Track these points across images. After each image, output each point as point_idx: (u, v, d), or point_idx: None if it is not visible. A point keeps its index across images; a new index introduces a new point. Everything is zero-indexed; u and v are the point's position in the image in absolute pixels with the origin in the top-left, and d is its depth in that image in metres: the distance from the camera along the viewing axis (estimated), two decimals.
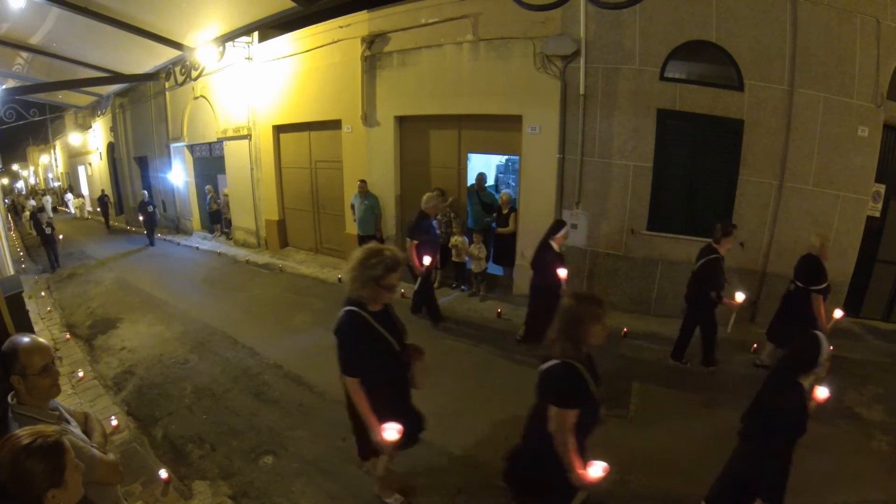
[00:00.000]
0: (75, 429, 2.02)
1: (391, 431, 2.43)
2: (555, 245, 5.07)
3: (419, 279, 5.91)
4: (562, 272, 5.00)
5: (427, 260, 5.74)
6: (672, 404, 4.33)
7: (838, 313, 4.50)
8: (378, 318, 2.53)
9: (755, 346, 5.23)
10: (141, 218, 12.66)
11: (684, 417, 4.10)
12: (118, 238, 14.34)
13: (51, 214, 17.28)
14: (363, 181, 8.05)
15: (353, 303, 2.49)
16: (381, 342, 2.52)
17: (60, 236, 11.57)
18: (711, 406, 4.24)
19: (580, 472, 2.13)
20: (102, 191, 17.08)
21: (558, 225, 5.17)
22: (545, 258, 5.08)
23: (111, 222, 16.49)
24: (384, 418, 2.47)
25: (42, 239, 10.99)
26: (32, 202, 19.60)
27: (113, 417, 4.28)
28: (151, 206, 12.64)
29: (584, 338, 2.20)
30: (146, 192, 13.32)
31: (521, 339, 5.50)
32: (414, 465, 3.60)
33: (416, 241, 5.76)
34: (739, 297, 4.65)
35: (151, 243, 12.48)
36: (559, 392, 2.17)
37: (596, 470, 2.12)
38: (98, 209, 17.13)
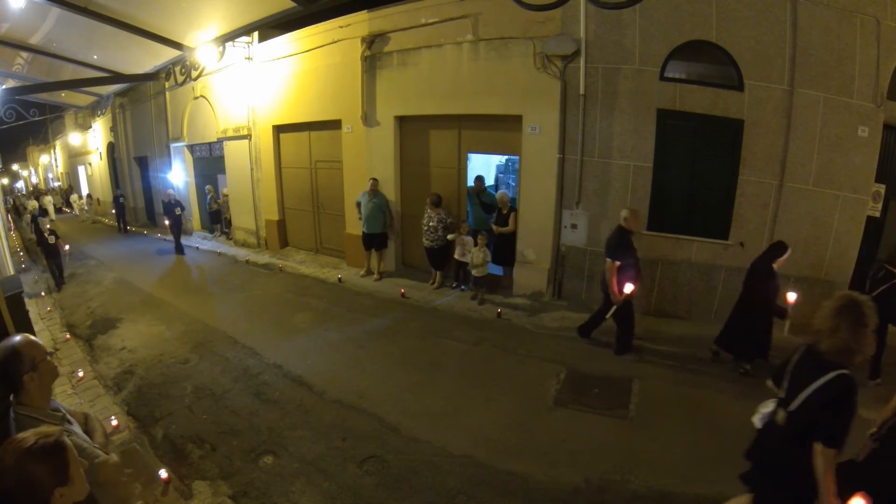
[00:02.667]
0: (77, 429, 2.03)
1: (858, 501, 2.17)
2: (775, 268, 4.61)
3: (613, 307, 5.09)
4: (791, 296, 4.56)
5: (629, 287, 4.95)
6: (672, 404, 4.33)
7: None
8: None
9: None
10: (167, 222, 11.28)
11: (685, 417, 4.10)
12: (136, 242, 13.57)
13: (52, 218, 17.09)
14: (374, 179, 7.99)
15: (840, 365, 2.19)
16: None
17: (67, 247, 9.95)
18: (711, 406, 4.25)
19: None
20: (117, 190, 16.70)
21: (781, 247, 4.59)
22: (770, 286, 4.55)
23: (127, 226, 15.57)
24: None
25: (44, 250, 9.14)
26: (35, 202, 19.44)
27: (113, 417, 4.28)
28: (181, 209, 11.28)
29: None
30: (172, 190, 11.87)
31: (746, 373, 4.74)
32: (414, 465, 3.61)
33: (618, 263, 4.97)
34: None
35: (180, 251, 11.15)
36: None
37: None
38: (113, 210, 16.55)
